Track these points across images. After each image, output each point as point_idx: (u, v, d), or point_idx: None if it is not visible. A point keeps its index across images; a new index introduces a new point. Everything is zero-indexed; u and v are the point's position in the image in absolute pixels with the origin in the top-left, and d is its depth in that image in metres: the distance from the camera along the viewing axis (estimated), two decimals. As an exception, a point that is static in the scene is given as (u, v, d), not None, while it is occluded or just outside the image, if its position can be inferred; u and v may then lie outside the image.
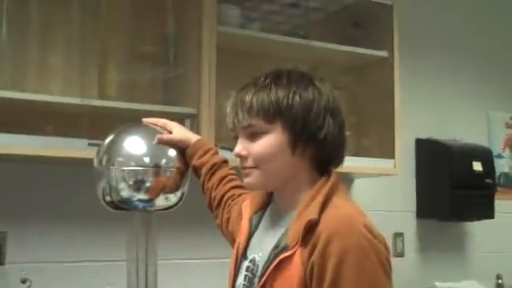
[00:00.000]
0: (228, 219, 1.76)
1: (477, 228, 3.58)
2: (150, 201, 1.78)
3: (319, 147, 1.45)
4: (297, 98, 1.43)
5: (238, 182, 1.82)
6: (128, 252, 1.88)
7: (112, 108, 2.39)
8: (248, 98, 1.44)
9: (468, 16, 3.72)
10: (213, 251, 2.65)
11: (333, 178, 1.46)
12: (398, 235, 3.32)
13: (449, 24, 3.63)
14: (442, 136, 3.45)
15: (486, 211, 3.38)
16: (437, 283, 3.35)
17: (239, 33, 2.69)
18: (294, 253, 1.36)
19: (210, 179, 1.83)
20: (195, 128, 2.47)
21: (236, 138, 1.51)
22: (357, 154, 2.85)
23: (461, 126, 3.58)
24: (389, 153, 2.92)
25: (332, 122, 1.45)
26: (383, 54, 2.99)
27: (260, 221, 1.57)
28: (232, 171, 1.85)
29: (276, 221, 1.50)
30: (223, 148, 2.47)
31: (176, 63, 2.66)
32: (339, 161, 1.50)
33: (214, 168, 1.83)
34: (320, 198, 1.40)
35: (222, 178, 1.83)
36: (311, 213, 1.37)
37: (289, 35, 2.81)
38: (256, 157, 1.45)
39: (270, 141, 1.44)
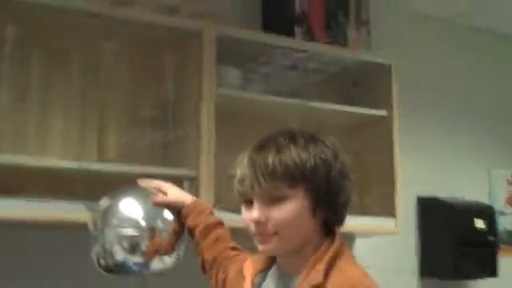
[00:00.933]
0: (224, 280, 1.73)
1: (480, 286, 3.52)
2: (146, 264, 1.76)
3: (333, 210, 1.44)
4: (318, 160, 1.40)
5: (232, 244, 1.81)
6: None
7: (111, 171, 2.39)
8: (270, 160, 1.38)
9: (468, 73, 3.74)
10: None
11: (337, 241, 1.45)
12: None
13: (447, 82, 3.66)
14: (443, 194, 3.44)
15: (489, 269, 3.33)
16: None
17: (239, 95, 2.71)
18: None
19: (203, 239, 1.80)
20: (194, 190, 2.45)
21: (247, 202, 1.45)
22: (358, 213, 2.83)
23: (462, 184, 3.57)
24: (390, 211, 2.91)
25: (348, 183, 1.45)
26: (382, 113, 3.01)
27: (263, 281, 1.54)
28: (227, 233, 1.84)
29: (282, 283, 1.47)
30: (222, 209, 2.47)
31: (175, 125, 2.68)
32: (344, 221, 1.49)
33: (209, 229, 1.81)
34: (324, 262, 1.39)
35: (216, 239, 1.80)
36: (316, 277, 1.36)
37: (288, 97, 2.83)
38: (278, 223, 1.40)
39: (293, 206, 1.39)
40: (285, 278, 1.46)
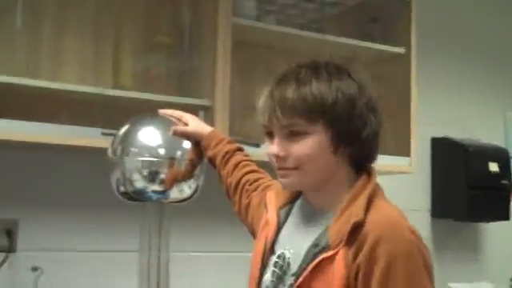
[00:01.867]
0: (247, 205, 1.72)
1: (492, 229, 3.54)
2: (164, 192, 1.76)
3: (360, 145, 1.40)
4: (340, 95, 1.35)
5: (252, 167, 1.79)
6: (140, 242, 1.86)
7: (126, 98, 2.37)
8: (289, 94, 1.34)
9: (487, 13, 3.68)
10: (226, 245, 2.64)
11: (374, 178, 1.42)
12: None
13: (467, 21, 3.59)
14: (458, 135, 3.41)
15: (501, 212, 3.33)
16: (450, 284, 3.31)
17: (254, 25, 2.65)
18: (337, 253, 1.32)
19: (224, 167, 1.79)
20: (209, 120, 2.42)
21: (268, 135, 1.42)
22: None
23: (477, 126, 3.54)
24: (404, 151, 2.89)
25: (373, 118, 1.40)
26: (400, 50, 2.95)
27: (288, 215, 1.51)
28: (246, 157, 1.83)
29: (310, 218, 1.44)
30: (236, 141, 2.46)
31: (191, 54, 2.63)
32: (375, 158, 1.46)
33: (228, 155, 1.80)
34: (363, 199, 1.36)
35: (237, 164, 1.79)
36: (355, 213, 1.33)
37: (304, 29, 2.77)
38: (297, 158, 1.37)
39: (313, 141, 1.36)
40: (315, 213, 1.44)
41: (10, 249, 2.38)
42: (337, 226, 1.35)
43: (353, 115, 1.36)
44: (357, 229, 1.31)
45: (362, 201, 1.36)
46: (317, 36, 2.76)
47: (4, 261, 2.36)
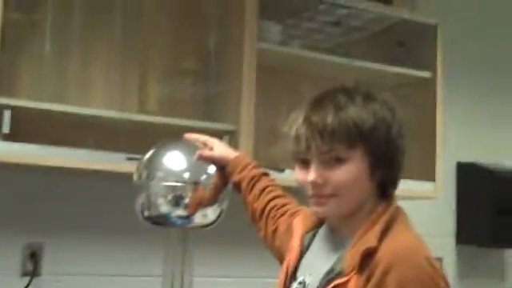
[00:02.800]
0: (274, 231, 1.71)
1: (518, 256, 3.50)
2: (188, 217, 1.75)
3: (391, 171, 1.40)
4: (377, 119, 1.35)
5: (279, 192, 1.78)
6: (164, 267, 1.86)
7: (152, 122, 2.39)
8: (329, 120, 1.32)
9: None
10: (251, 270, 2.62)
11: (394, 204, 1.41)
12: (437, 260, 3.24)
13: (494, 44, 3.56)
14: (484, 160, 3.36)
15: (528, 239, 3.28)
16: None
17: (280, 50, 2.66)
18: (349, 280, 1.30)
19: (250, 192, 1.78)
20: (234, 144, 2.41)
21: (301, 162, 1.40)
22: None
23: (505, 150, 3.49)
24: (429, 175, 2.87)
25: (402, 144, 1.41)
26: (426, 74, 2.94)
27: (312, 241, 1.50)
28: (273, 182, 1.81)
29: (332, 244, 1.43)
30: (261, 166, 2.46)
31: (217, 79, 2.66)
32: (398, 182, 1.45)
33: (254, 180, 1.78)
34: (381, 225, 1.34)
35: (263, 189, 1.77)
36: (370, 240, 1.31)
37: (330, 54, 2.78)
38: (336, 185, 1.35)
39: (352, 167, 1.34)
40: (336, 239, 1.43)
41: (35, 272, 2.39)
42: (352, 252, 1.33)
43: (388, 140, 1.37)
44: (369, 255, 1.30)
45: (378, 227, 1.34)
46: (343, 61, 2.77)
47: (29, 284, 2.37)
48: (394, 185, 1.44)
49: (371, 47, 3.03)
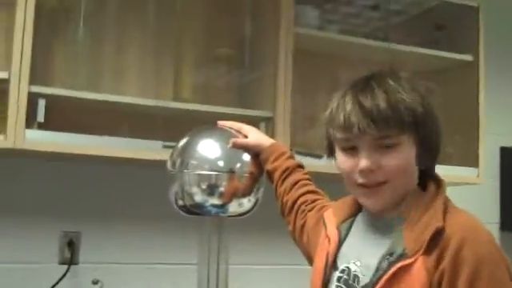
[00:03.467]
0: (302, 226, 1.67)
1: None
2: (223, 206, 1.72)
3: (435, 156, 1.38)
4: (425, 104, 1.34)
5: (311, 187, 1.73)
6: (199, 255, 1.84)
7: (187, 110, 2.37)
8: (382, 104, 1.29)
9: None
10: (286, 258, 2.58)
11: (445, 186, 1.38)
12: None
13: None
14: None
15: None
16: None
17: (317, 35, 2.62)
18: (415, 261, 1.26)
19: (282, 184, 1.74)
20: (270, 131, 2.42)
21: (347, 149, 1.35)
22: (439, 161, 2.72)
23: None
24: (472, 161, 2.81)
25: (440, 130, 1.38)
26: (467, 57, 2.87)
27: (350, 229, 1.46)
28: (306, 176, 1.76)
29: (379, 229, 1.38)
30: (298, 153, 2.42)
31: (252, 65, 2.62)
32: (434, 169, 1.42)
33: (287, 172, 1.74)
34: (440, 205, 1.31)
35: (296, 183, 1.72)
36: (435, 220, 1.27)
37: (368, 38, 2.72)
38: (390, 171, 1.31)
39: (403, 153, 1.31)
40: (381, 223, 1.38)
41: (72, 261, 2.40)
42: (413, 232, 1.29)
43: (435, 125, 1.36)
44: (437, 234, 1.26)
45: (438, 206, 1.30)
46: (382, 45, 2.71)
47: (66, 272, 2.38)
48: (433, 166, 1.41)
49: (410, 31, 2.96)
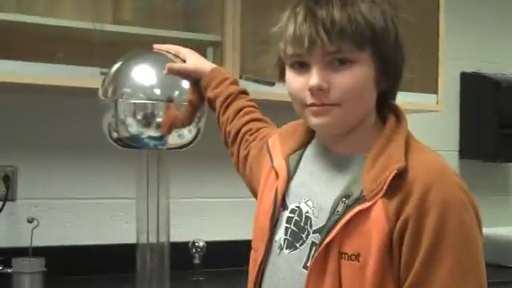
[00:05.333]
0: (246, 157, 1.54)
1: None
2: (162, 138, 1.59)
3: (395, 81, 1.24)
4: (389, 20, 1.19)
5: (256, 115, 1.59)
6: (137, 190, 1.72)
7: (127, 34, 2.23)
8: (337, 15, 1.15)
9: None
10: (230, 190, 2.52)
11: (405, 117, 1.25)
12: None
13: None
14: (490, 70, 3.20)
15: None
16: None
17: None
18: (374, 204, 1.14)
19: (225, 112, 1.60)
20: (218, 57, 2.30)
21: (298, 66, 1.21)
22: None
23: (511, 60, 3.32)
24: (431, 87, 2.71)
25: (402, 51, 1.24)
26: (429, -25, 2.74)
27: (299, 162, 1.32)
28: (251, 102, 1.62)
29: (333, 165, 1.25)
30: (249, 80, 2.30)
31: (199, -15, 2.46)
32: (396, 95, 1.29)
33: (230, 99, 1.60)
34: (401, 141, 1.19)
35: (239, 110, 1.59)
36: (394, 159, 1.15)
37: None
38: (344, 91, 1.17)
39: (359, 72, 1.17)
40: (335, 159, 1.26)
41: (8, 197, 2.29)
42: (372, 172, 1.17)
43: (397, 44, 1.21)
44: (399, 177, 1.14)
45: (399, 143, 1.19)
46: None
47: (1, 209, 2.26)
48: (394, 96, 1.28)
49: None
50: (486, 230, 3.06)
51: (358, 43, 1.16)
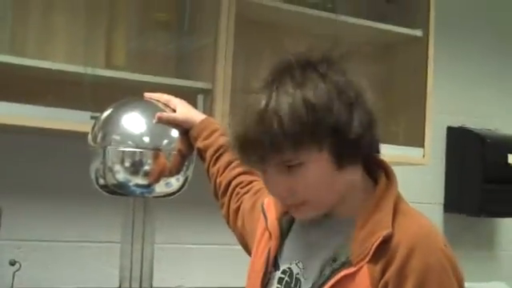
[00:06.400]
0: (237, 210, 1.55)
1: (508, 225, 3.37)
2: (149, 186, 1.59)
3: (365, 148, 1.19)
4: (317, 111, 1.12)
5: (247, 168, 1.59)
6: (122, 236, 1.72)
7: (119, 79, 2.22)
8: (250, 130, 1.12)
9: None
10: (217, 237, 2.51)
11: (395, 178, 1.25)
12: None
13: (489, 4, 3.38)
14: (475, 125, 3.23)
15: (518, 208, 3.18)
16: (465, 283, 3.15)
17: (261, 2, 2.47)
18: (360, 269, 1.15)
19: (215, 163, 1.61)
20: (209, 104, 2.30)
21: (260, 171, 1.22)
22: (383, 140, 2.63)
23: (496, 116, 3.35)
24: (418, 141, 2.72)
25: (362, 114, 1.17)
26: (417, 33, 2.77)
27: (291, 225, 1.33)
28: None
29: (323, 227, 1.26)
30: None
31: (191, 33, 2.47)
32: (378, 147, 1.26)
33: (221, 151, 1.61)
34: (389, 205, 1.19)
35: (230, 162, 1.59)
36: (382, 225, 1.16)
37: (315, 8, 2.60)
38: (302, 193, 1.18)
39: (312, 171, 1.16)
40: (329, 221, 1.26)
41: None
42: (359, 237, 1.18)
43: (337, 121, 1.14)
44: (384, 242, 1.15)
45: (387, 208, 1.19)
46: (329, 15, 2.59)
47: (-15, 251, 2.23)
48: (377, 151, 1.26)
49: (360, 2, 2.86)
50: (470, 285, 3.08)
51: (298, 148, 1.13)
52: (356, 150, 1.19)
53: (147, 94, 1.69)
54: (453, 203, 3.21)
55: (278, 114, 1.12)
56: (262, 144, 1.13)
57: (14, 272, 2.14)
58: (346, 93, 1.16)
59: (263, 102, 1.13)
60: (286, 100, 1.12)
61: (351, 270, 1.15)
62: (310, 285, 1.21)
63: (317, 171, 1.16)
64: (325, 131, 1.14)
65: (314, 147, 1.15)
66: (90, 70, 2.15)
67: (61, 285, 2.35)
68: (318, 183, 1.17)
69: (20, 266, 2.15)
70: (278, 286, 1.27)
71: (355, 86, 1.19)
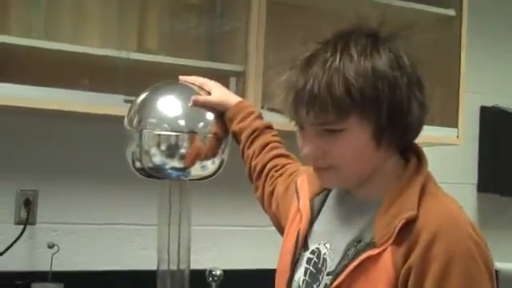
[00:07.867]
0: (271, 193, 1.55)
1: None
2: (185, 169, 1.59)
3: (406, 130, 1.19)
4: (378, 82, 1.13)
5: (282, 151, 1.60)
6: (159, 217, 1.72)
7: (152, 62, 2.24)
8: (315, 88, 1.12)
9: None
10: (251, 219, 2.51)
11: (426, 161, 1.23)
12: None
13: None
14: (509, 104, 3.20)
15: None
16: (497, 263, 3.11)
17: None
18: (383, 251, 1.14)
19: (250, 146, 1.61)
20: (241, 86, 2.31)
21: (299, 127, 1.22)
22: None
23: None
24: (452, 121, 2.70)
25: (419, 94, 1.18)
26: (450, 12, 2.73)
27: (323, 205, 1.33)
28: (276, 138, 1.63)
29: (352, 209, 1.26)
30: (271, 110, 2.30)
31: (223, 16, 2.48)
32: (418, 134, 1.26)
33: (255, 134, 1.61)
34: (416, 188, 1.17)
35: (264, 146, 1.60)
36: (407, 206, 1.15)
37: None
38: (335, 159, 1.18)
39: (350, 139, 1.16)
40: (355, 202, 1.26)
41: (29, 221, 2.28)
42: (385, 219, 1.16)
43: (394, 103, 1.15)
44: (408, 224, 1.13)
45: (414, 190, 1.17)
46: (361, -4, 2.56)
47: (22, 233, 2.26)
48: (415, 138, 1.26)
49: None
50: (502, 265, 3.07)
51: (342, 113, 1.13)
52: (401, 135, 1.19)
53: (182, 77, 1.68)
54: (486, 183, 3.19)
55: (337, 78, 1.12)
56: (319, 98, 1.13)
57: (53, 255, 2.17)
58: (410, 77, 1.17)
59: (331, 59, 1.14)
60: (351, 70, 1.13)
61: (375, 251, 1.15)
62: (335, 266, 1.21)
63: (355, 143, 1.17)
64: (376, 110, 1.14)
65: (363, 119, 1.15)
66: (123, 54, 2.17)
67: (97, 267, 2.38)
68: (351, 153, 1.17)
69: (58, 248, 2.18)
70: (307, 266, 1.27)
71: (418, 71, 1.20)
